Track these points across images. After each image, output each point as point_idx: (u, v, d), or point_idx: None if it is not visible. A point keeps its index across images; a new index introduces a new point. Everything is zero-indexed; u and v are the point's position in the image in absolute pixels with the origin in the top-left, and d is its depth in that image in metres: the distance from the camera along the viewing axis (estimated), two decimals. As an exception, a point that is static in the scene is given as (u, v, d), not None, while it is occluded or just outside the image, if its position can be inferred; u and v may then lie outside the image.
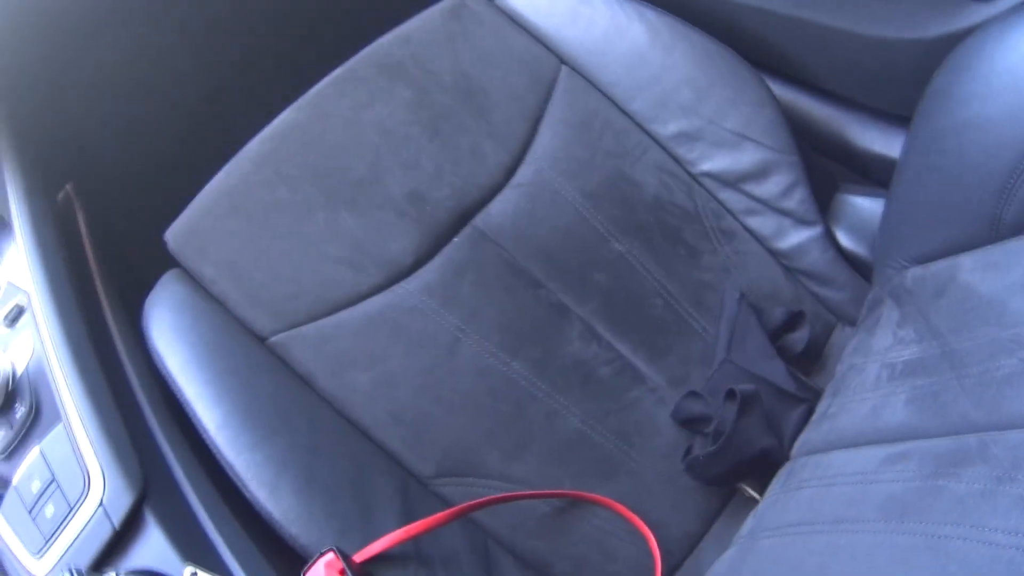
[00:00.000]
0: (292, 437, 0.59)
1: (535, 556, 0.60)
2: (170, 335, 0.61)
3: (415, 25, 0.70)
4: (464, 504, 0.58)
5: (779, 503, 0.56)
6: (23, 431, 0.61)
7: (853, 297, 0.66)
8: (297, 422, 0.60)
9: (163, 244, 0.66)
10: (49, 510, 0.58)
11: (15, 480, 0.61)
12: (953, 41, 0.58)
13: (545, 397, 0.63)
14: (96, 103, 0.79)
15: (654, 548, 0.61)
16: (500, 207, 0.66)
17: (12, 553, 0.59)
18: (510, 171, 0.67)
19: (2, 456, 0.62)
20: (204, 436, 0.59)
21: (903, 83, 0.62)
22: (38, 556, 0.57)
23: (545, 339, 0.64)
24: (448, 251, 0.65)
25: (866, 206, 0.66)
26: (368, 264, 0.64)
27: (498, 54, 0.69)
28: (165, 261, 0.66)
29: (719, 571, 0.53)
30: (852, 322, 0.67)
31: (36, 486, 0.60)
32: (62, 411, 0.60)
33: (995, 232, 0.54)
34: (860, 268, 0.66)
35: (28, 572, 0.56)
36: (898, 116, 0.66)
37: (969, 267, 0.55)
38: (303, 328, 0.62)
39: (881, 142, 0.67)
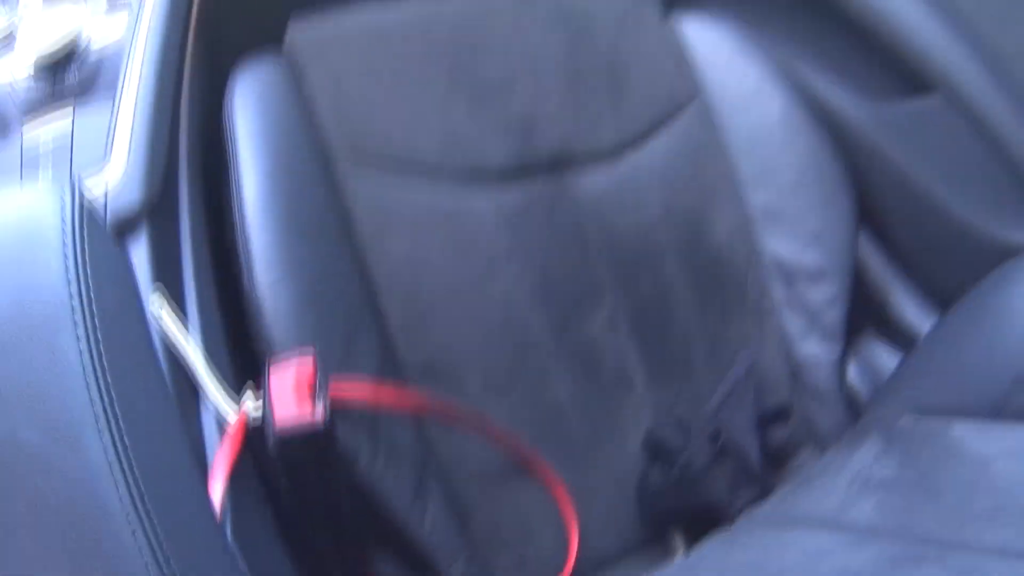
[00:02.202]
0: (313, 253, 0.57)
1: (461, 498, 0.58)
2: (254, 105, 0.60)
3: None
4: (434, 403, 0.57)
5: (714, 554, 0.56)
6: (66, 92, 0.58)
7: (835, 425, 0.70)
8: (323, 246, 0.58)
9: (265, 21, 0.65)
10: (45, 172, 0.55)
11: (25, 128, 0.57)
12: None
13: (547, 355, 0.63)
14: None
15: (573, 544, 0.60)
16: (593, 178, 0.68)
17: None
18: (616, 155, 0.70)
19: (24, 108, 0.58)
20: (236, 205, 0.57)
21: (962, 271, 0.69)
22: None
23: (573, 307, 0.65)
24: (530, 185, 0.66)
25: (882, 355, 0.71)
26: (457, 153, 0.64)
27: (654, 54, 0.74)
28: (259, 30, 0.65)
29: None
30: (823, 447, 0.71)
31: (46, 145, 0.56)
32: (118, 94, 0.57)
33: (998, 413, 0.59)
34: (854, 405, 0.71)
35: None
36: (940, 298, 0.73)
37: (963, 429, 0.59)
38: (371, 173, 0.62)
39: (914, 312, 0.73)
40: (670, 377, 0.67)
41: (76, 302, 0.35)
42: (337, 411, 0.48)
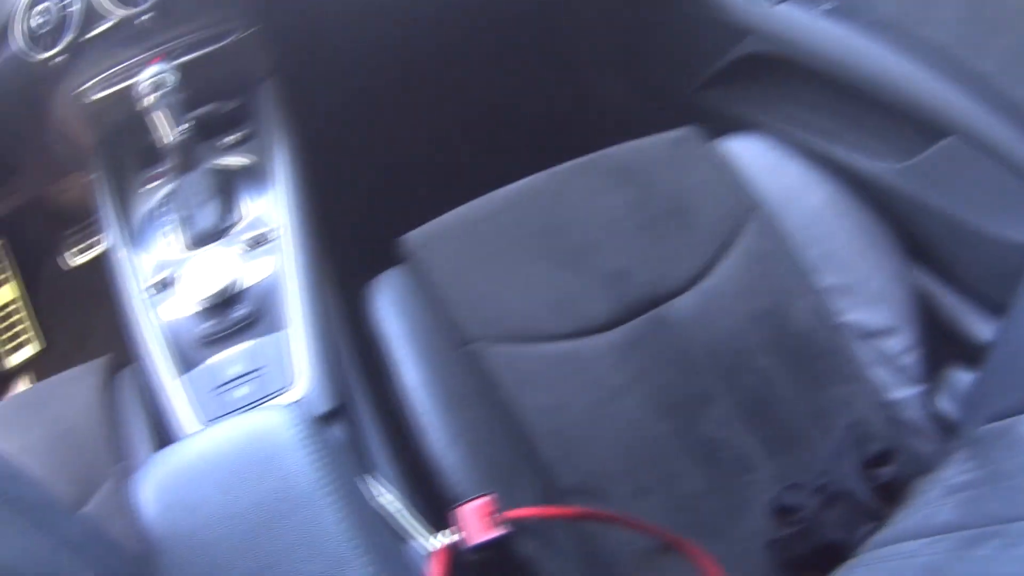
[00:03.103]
0: (471, 417, 0.68)
1: None
2: (393, 309, 0.72)
3: (648, 143, 0.85)
4: (595, 511, 0.67)
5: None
6: (236, 327, 0.70)
7: (936, 452, 0.78)
8: (477, 409, 0.69)
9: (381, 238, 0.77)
10: (240, 392, 0.66)
11: (211, 360, 0.69)
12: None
13: (676, 457, 0.72)
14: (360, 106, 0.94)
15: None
16: (682, 303, 0.78)
17: (175, 414, 0.66)
18: (696, 280, 0.79)
19: (203, 341, 0.70)
20: (399, 393, 0.68)
21: (1011, 280, 0.77)
22: (206, 424, 0.64)
23: (690, 413, 0.74)
24: (634, 323, 0.76)
25: (965, 376, 0.79)
26: (568, 314, 0.75)
27: (708, 184, 0.83)
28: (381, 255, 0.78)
29: None
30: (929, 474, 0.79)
31: (234, 370, 0.67)
32: (286, 322, 0.69)
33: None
34: (950, 429, 0.78)
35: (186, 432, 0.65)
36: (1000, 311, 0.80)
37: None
38: (501, 345, 0.73)
39: (981, 329, 0.81)
40: (783, 450, 0.75)
41: (325, 479, 0.48)
42: (513, 528, 0.62)
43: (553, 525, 0.66)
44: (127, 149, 0.93)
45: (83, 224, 1.26)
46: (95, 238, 1.26)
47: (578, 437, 0.70)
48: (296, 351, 0.67)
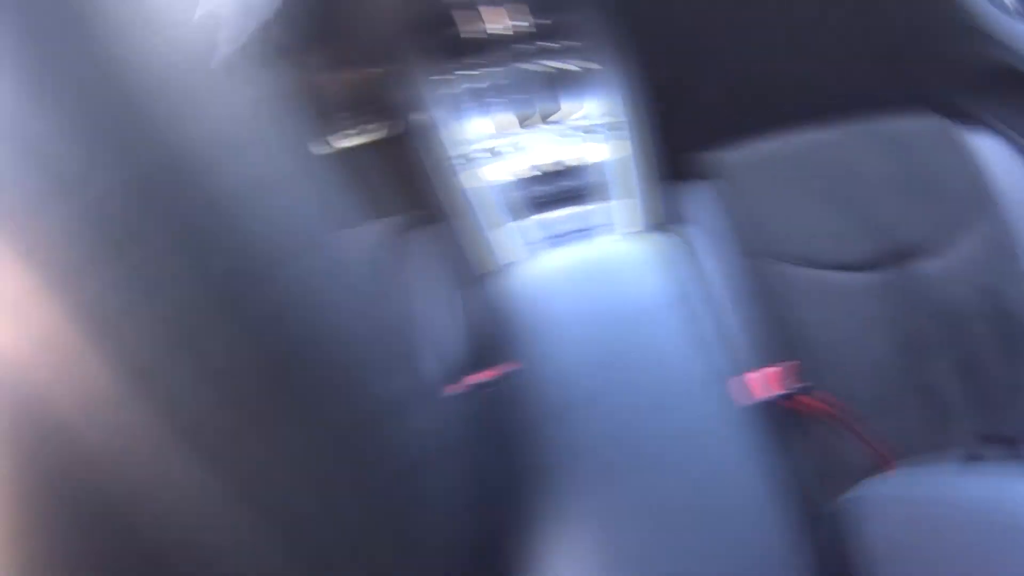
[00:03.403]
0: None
1: None
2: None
3: (915, 123, 0.97)
4: (837, 406, 0.78)
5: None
6: (566, 195, 0.82)
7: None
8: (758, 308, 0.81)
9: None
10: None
11: (539, 216, 0.81)
12: None
13: (901, 393, 0.83)
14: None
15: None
16: (927, 263, 0.89)
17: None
18: (940, 247, 0.91)
19: (533, 202, 0.83)
20: None
21: None
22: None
23: (921, 358, 0.85)
24: (886, 271, 0.88)
25: None
26: (835, 250, 0.87)
27: (960, 168, 0.95)
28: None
29: None
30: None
31: (563, 228, 0.80)
32: (616, 195, 0.81)
33: None
34: None
35: None
36: None
37: None
38: (784, 266, 0.85)
39: None
40: (981, 411, 0.86)
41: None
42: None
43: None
44: (441, 40, 1.06)
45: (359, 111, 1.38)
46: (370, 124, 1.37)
47: (832, 353, 0.81)
48: (624, 220, 0.80)
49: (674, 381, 0.50)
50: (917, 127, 0.97)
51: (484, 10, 0.94)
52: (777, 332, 0.81)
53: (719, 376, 0.50)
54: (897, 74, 1.12)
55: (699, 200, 0.86)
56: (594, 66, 0.94)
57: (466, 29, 0.96)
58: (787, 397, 0.70)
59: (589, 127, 0.88)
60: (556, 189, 0.83)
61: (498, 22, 0.95)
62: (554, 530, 0.44)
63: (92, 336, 0.26)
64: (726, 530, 0.44)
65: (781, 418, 0.72)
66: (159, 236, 0.27)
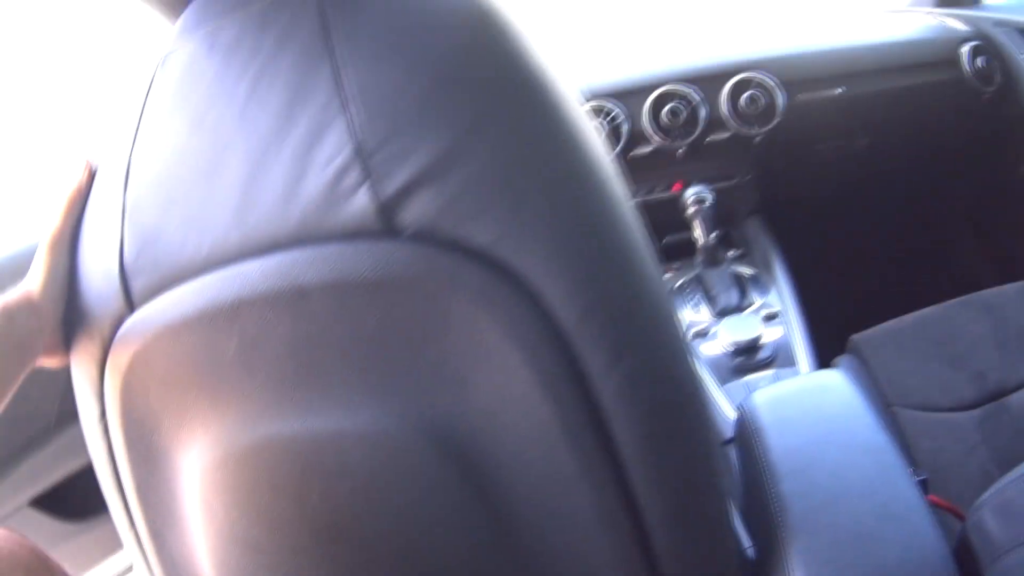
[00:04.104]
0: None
1: None
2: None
3: (1005, 288, 1.33)
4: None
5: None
6: (760, 364, 1.27)
7: None
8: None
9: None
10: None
11: (743, 379, 1.26)
12: None
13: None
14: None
15: None
16: (1017, 398, 1.27)
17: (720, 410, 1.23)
18: None
19: (735, 369, 1.28)
20: None
21: None
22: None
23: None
24: (986, 407, 1.23)
25: None
26: (949, 397, 1.24)
27: None
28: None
29: None
30: None
31: (761, 385, 1.24)
32: (797, 363, 1.25)
33: None
34: None
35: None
36: None
37: None
38: (909, 410, 1.24)
39: None
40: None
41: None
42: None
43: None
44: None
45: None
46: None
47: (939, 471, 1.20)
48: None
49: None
50: (1005, 293, 1.34)
51: (694, 224, 1.41)
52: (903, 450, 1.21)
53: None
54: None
55: (846, 368, 1.27)
56: (765, 269, 1.39)
57: (675, 240, 1.44)
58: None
59: (771, 314, 1.32)
60: (752, 361, 1.27)
61: (697, 234, 1.42)
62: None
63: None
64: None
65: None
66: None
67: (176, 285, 0.51)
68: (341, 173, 0.46)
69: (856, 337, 1.30)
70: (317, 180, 0.47)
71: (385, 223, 0.46)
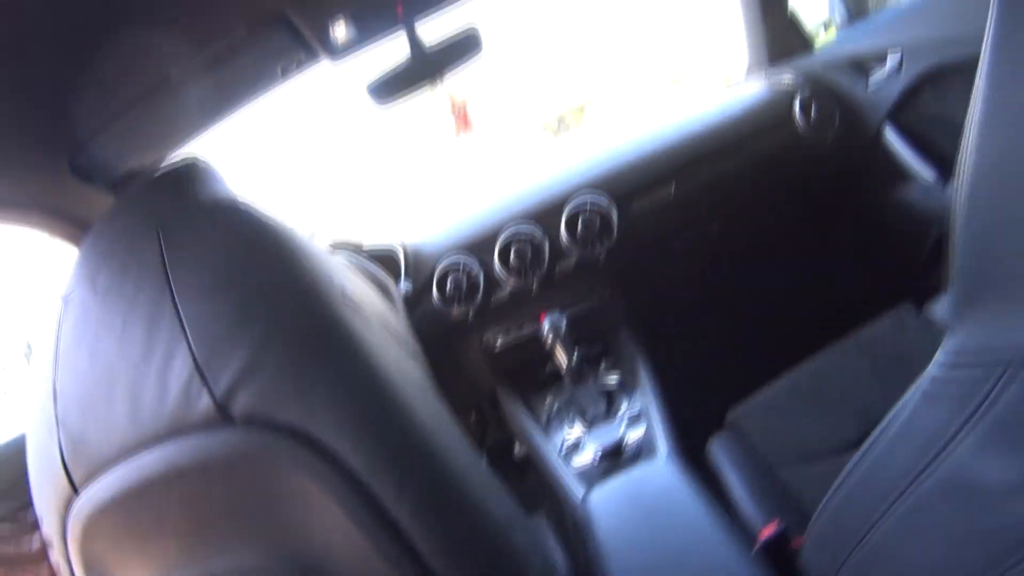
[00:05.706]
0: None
1: None
2: (731, 455, 1.41)
3: (879, 324, 1.44)
4: None
5: None
6: (624, 463, 1.40)
7: None
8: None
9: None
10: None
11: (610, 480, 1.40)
12: None
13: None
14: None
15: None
16: None
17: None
18: None
19: (602, 472, 1.42)
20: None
21: None
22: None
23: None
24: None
25: None
26: (831, 440, 1.36)
27: (925, 344, 1.44)
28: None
29: None
30: None
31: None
32: (658, 458, 1.41)
33: None
34: None
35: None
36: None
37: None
38: (794, 465, 1.39)
39: None
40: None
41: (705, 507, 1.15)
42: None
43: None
44: (522, 377, 1.67)
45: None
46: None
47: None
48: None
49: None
50: (884, 324, 1.42)
51: (555, 352, 1.60)
52: (784, 504, 1.27)
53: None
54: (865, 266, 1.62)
55: (724, 443, 1.36)
56: (630, 376, 1.58)
57: (542, 369, 1.63)
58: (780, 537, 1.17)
59: (634, 417, 1.49)
60: (618, 462, 1.42)
61: (562, 359, 1.60)
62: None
63: None
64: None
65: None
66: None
67: (102, 473, 0.65)
68: (188, 384, 0.62)
69: (732, 412, 1.40)
70: (175, 391, 0.63)
71: (222, 416, 0.62)
